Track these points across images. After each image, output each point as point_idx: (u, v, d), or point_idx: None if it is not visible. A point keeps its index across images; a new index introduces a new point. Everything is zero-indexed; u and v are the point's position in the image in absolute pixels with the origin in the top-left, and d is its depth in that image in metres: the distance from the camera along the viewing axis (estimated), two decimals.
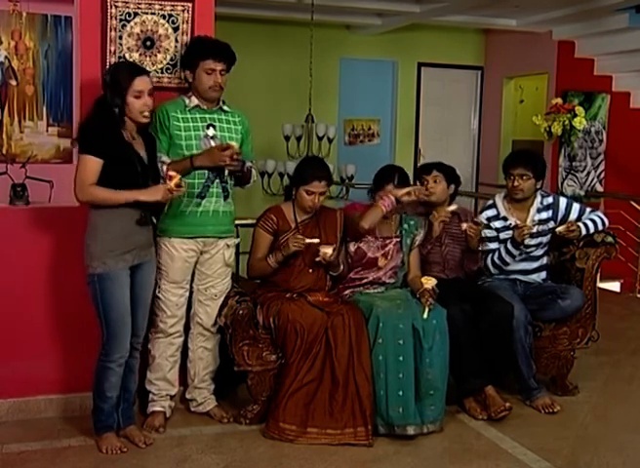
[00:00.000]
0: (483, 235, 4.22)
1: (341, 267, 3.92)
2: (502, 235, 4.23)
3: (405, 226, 4.05)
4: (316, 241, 3.74)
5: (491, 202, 4.34)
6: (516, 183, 4.18)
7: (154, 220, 3.53)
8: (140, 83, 3.26)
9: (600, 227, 4.25)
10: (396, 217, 4.04)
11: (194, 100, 3.63)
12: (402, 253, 4.01)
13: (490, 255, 4.24)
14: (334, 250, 3.74)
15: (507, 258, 4.19)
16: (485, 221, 4.25)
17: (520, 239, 4.09)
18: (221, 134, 3.65)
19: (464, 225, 4.05)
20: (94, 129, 3.24)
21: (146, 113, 3.29)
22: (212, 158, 3.53)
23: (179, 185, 3.26)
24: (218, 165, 3.55)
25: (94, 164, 3.20)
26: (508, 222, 4.24)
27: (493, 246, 4.24)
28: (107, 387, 3.37)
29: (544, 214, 4.27)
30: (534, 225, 4.15)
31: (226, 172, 3.61)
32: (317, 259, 3.74)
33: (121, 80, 3.26)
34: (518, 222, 4.18)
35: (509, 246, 4.16)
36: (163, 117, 3.57)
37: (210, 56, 3.56)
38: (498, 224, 4.25)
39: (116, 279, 3.28)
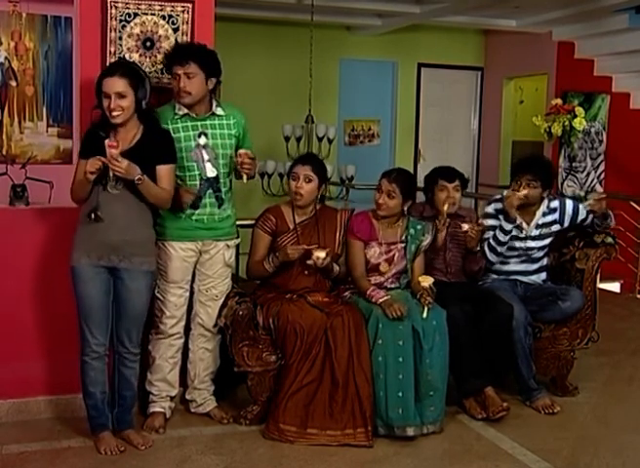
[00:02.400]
0: (487, 224, 4.21)
1: (337, 270, 3.90)
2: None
3: (411, 231, 3.98)
4: (314, 246, 3.73)
5: (498, 196, 4.32)
6: (524, 191, 4.14)
7: (99, 218, 3.29)
8: (106, 85, 3.26)
9: (612, 222, 4.27)
10: (403, 221, 4.00)
11: (183, 109, 3.57)
12: (406, 261, 3.97)
13: (486, 242, 4.20)
14: (327, 254, 3.72)
15: (500, 236, 4.14)
16: (493, 211, 4.24)
17: (510, 206, 4.08)
18: (214, 141, 3.60)
19: (466, 226, 4.04)
20: (85, 134, 3.39)
21: (115, 113, 3.25)
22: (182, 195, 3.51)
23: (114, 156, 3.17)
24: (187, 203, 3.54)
25: (80, 165, 3.30)
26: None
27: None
28: (88, 382, 3.38)
29: (550, 218, 4.26)
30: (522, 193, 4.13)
31: (244, 178, 3.59)
32: (309, 262, 3.72)
33: (98, 79, 3.32)
34: (524, 224, 4.19)
35: (502, 221, 4.14)
36: None
37: (171, 62, 3.53)
38: (503, 219, 4.24)
39: (80, 274, 3.31)
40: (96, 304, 3.32)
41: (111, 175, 3.21)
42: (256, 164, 3.67)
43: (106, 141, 3.17)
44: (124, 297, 3.37)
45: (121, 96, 3.24)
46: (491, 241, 4.19)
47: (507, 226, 4.14)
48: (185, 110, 3.57)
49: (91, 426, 3.45)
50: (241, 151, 3.56)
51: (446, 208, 4.07)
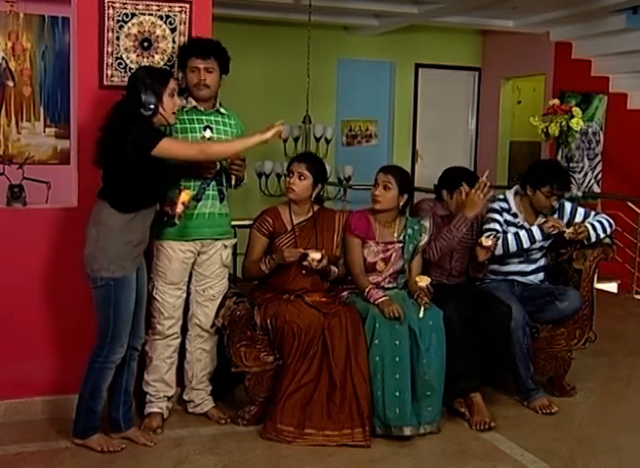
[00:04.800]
0: (492, 217, 4.19)
1: (334, 272, 3.89)
2: (507, 229, 4.21)
3: (409, 231, 3.97)
4: (311, 250, 3.73)
5: (502, 196, 4.31)
6: (554, 203, 4.16)
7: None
8: (174, 83, 3.35)
9: (608, 229, 4.22)
10: (400, 221, 3.99)
11: (192, 102, 3.63)
12: (403, 260, 3.96)
13: (501, 234, 4.15)
14: (322, 256, 3.72)
15: (525, 241, 4.11)
16: (498, 208, 4.23)
17: (552, 226, 4.08)
18: (218, 136, 3.65)
19: (490, 241, 3.97)
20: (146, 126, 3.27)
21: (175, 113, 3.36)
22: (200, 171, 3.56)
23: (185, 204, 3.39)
24: (205, 175, 3.58)
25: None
26: (517, 220, 4.23)
27: (498, 227, 4.18)
28: (104, 387, 3.37)
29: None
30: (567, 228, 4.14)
31: (233, 180, 3.62)
32: (304, 263, 3.72)
33: (158, 79, 3.30)
34: (525, 224, 4.19)
35: (536, 232, 4.12)
36: None
37: (193, 54, 3.59)
38: (507, 217, 4.23)
39: (132, 283, 3.32)
40: (130, 311, 3.35)
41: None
42: (245, 166, 3.68)
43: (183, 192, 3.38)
44: (143, 289, 3.45)
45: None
46: (509, 239, 4.11)
47: (538, 236, 4.13)
48: (194, 103, 3.63)
49: (84, 429, 3.41)
50: None
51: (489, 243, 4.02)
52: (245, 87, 7.97)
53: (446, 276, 4.19)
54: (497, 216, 4.22)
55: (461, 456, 3.51)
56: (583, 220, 4.25)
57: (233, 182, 3.65)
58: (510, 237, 4.14)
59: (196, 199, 3.60)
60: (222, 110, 3.72)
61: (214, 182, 3.63)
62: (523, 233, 4.13)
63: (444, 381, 3.73)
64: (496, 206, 4.26)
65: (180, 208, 3.36)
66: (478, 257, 4.04)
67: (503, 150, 9.41)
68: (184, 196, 3.37)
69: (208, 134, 3.62)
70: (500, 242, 4.12)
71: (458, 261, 4.21)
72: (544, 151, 8.33)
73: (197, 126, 3.62)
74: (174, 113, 3.35)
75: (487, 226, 4.20)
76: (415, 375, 3.63)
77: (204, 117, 3.65)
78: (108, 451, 3.37)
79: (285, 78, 8.29)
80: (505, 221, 4.23)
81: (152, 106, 3.24)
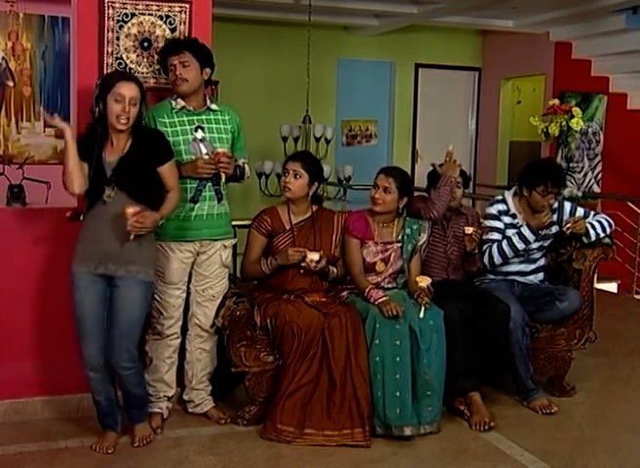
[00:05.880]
0: (490, 225, 4.21)
1: (333, 272, 3.89)
2: (508, 232, 4.21)
3: (407, 231, 3.98)
4: (308, 252, 3.73)
5: (500, 197, 4.32)
6: (552, 201, 4.16)
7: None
8: (123, 87, 3.23)
9: (607, 229, 4.23)
10: (399, 221, 4.00)
11: (180, 102, 3.60)
12: (402, 260, 3.97)
13: (496, 244, 4.19)
14: (320, 257, 3.72)
15: (519, 245, 4.14)
16: (495, 212, 4.24)
17: (544, 220, 4.09)
18: (210, 135, 3.63)
19: (470, 229, 4.01)
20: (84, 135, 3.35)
21: (123, 120, 3.23)
22: (195, 170, 3.54)
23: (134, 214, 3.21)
24: (201, 176, 3.56)
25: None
26: (516, 221, 4.23)
27: (497, 236, 4.22)
28: (92, 391, 3.42)
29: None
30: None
31: (223, 177, 3.61)
32: (302, 264, 3.73)
33: (106, 81, 3.28)
34: (524, 224, 4.19)
35: (526, 231, 4.13)
36: (149, 124, 3.53)
37: (167, 53, 3.60)
38: (506, 220, 4.23)
39: (76, 281, 3.30)
40: (88, 313, 3.30)
41: (107, 191, 3.25)
42: (232, 163, 3.66)
43: (128, 212, 3.15)
44: (117, 306, 3.31)
45: (134, 103, 3.24)
46: (504, 247, 4.16)
47: (530, 235, 4.13)
48: (182, 104, 3.60)
49: (99, 423, 3.50)
50: (219, 150, 3.58)
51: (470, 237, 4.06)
52: (245, 87, 7.97)
53: (444, 268, 4.19)
54: (495, 224, 4.22)
55: (461, 456, 3.52)
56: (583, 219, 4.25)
57: (223, 180, 3.63)
58: (505, 245, 4.16)
59: (193, 201, 3.60)
60: (214, 107, 3.68)
61: (209, 183, 3.62)
62: (516, 239, 4.15)
63: (444, 381, 3.73)
64: (493, 210, 4.26)
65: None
66: (466, 247, 4.08)
67: (503, 150, 9.41)
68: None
69: (200, 134, 3.59)
70: (494, 250, 4.16)
71: (453, 254, 4.21)
72: (544, 151, 8.33)
73: (188, 127, 3.60)
74: (117, 117, 3.23)
75: (487, 237, 4.21)
76: (415, 375, 3.63)
77: (195, 117, 3.62)
78: (95, 450, 3.40)
79: (285, 78, 8.28)
80: (505, 225, 4.23)
81: (96, 109, 3.27)
